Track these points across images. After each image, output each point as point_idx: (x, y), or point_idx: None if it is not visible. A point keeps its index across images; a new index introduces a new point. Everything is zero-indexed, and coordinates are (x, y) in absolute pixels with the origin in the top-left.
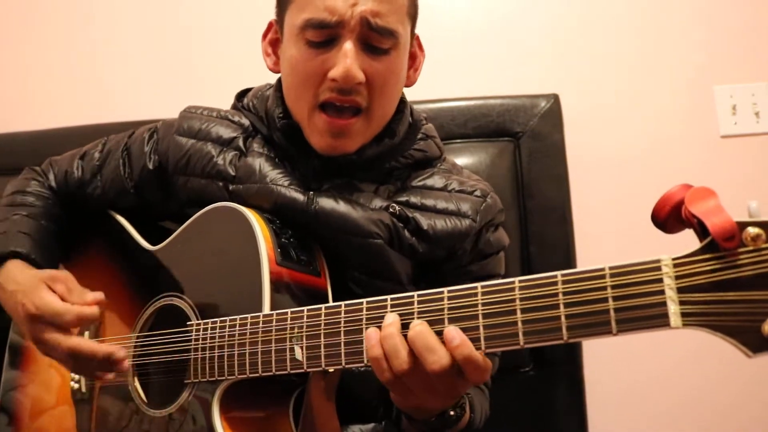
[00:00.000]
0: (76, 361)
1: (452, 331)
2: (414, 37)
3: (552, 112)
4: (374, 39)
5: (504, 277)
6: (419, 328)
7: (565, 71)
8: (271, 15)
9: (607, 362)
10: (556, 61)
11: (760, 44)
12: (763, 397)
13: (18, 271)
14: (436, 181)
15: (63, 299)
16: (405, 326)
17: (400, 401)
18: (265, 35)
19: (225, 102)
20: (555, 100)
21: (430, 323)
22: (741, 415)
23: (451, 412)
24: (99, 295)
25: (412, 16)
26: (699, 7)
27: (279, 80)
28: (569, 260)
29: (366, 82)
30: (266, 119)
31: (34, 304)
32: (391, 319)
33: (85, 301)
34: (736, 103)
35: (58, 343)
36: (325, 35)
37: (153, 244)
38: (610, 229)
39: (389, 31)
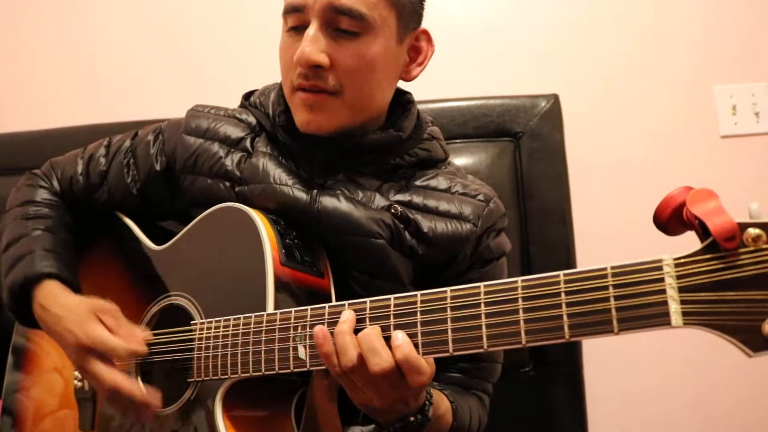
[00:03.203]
0: (114, 396)
1: (397, 334)
2: (418, 31)
3: (552, 112)
4: (341, 22)
5: None
6: (368, 330)
7: (565, 71)
8: (274, 13)
9: (607, 362)
10: (556, 61)
11: (760, 44)
12: (765, 399)
13: (61, 293)
14: (440, 182)
15: (111, 332)
16: (409, 325)
17: (351, 396)
18: None
19: (226, 101)
20: (555, 100)
21: (432, 323)
22: (742, 417)
23: (411, 418)
24: (147, 335)
25: (397, 5)
26: (698, 7)
27: None
28: (569, 260)
29: (332, 66)
30: (271, 116)
31: (87, 335)
32: (346, 317)
33: (135, 336)
34: (736, 103)
35: (102, 376)
36: (298, 20)
37: (158, 244)
38: (610, 229)
39: (356, 14)
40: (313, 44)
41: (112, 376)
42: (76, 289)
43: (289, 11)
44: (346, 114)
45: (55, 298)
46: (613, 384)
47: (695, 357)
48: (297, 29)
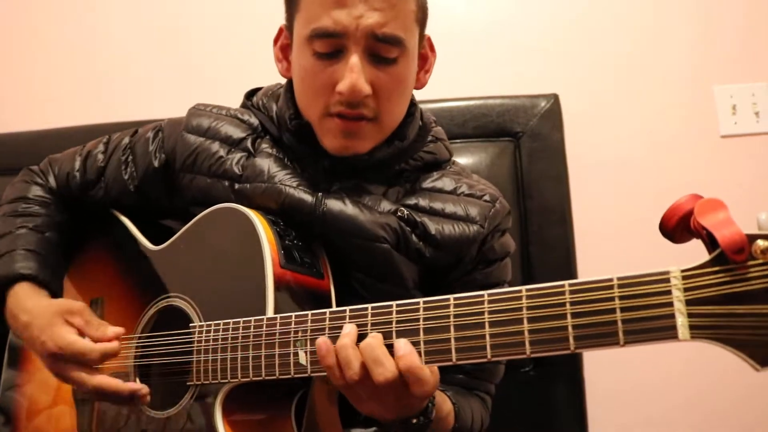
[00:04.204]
0: (101, 395)
1: (400, 342)
2: (424, 39)
3: (552, 112)
4: (381, 49)
5: (510, 283)
6: (369, 340)
7: (565, 71)
8: (273, 13)
9: (607, 362)
10: (556, 61)
11: (760, 44)
12: (764, 398)
13: (28, 298)
14: (446, 183)
15: (81, 333)
16: (412, 332)
17: (356, 404)
18: (276, 41)
19: (226, 101)
20: (555, 100)
21: (435, 331)
22: (741, 416)
23: (414, 420)
24: (119, 330)
25: (421, 21)
26: (698, 6)
27: (290, 81)
28: (569, 260)
29: (373, 93)
30: (276, 120)
31: (55, 343)
32: (348, 330)
33: (106, 335)
34: (736, 103)
35: (83, 381)
36: (331, 46)
37: (156, 243)
38: (609, 229)
39: (396, 40)
40: (360, 75)
41: (92, 380)
42: (55, 290)
43: (322, 36)
44: (379, 137)
45: (23, 303)
46: (613, 383)
47: (695, 356)
48: (329, 56)
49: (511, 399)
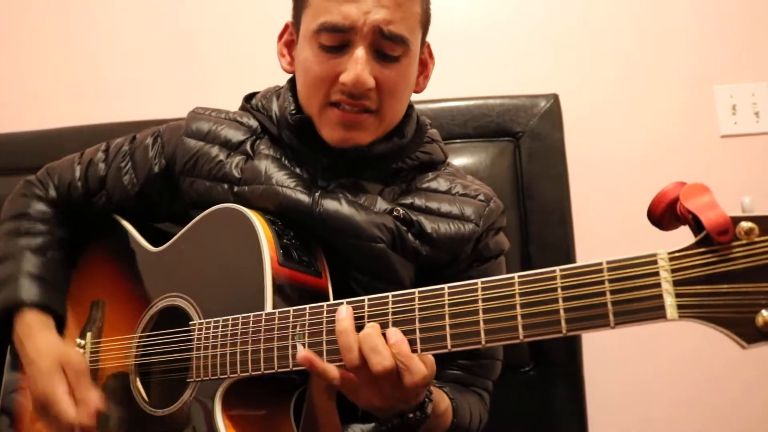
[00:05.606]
0: None
1: (391, 331)
2: (425, 45)
3: (552, 112)
4: (386, 46)
5: None
6: (368, 330)
7: (565, 71)
8: (274, 13)
9: (607, 362)
10: (556, 61)
11: (760, 44)
12: (764, 396)
13: (38, 332)
14: (441, 183)
15: (70, 388)
16: (408, 322)
17: (352, 398)
18: (280, 36)
19: (225, 101)
20: (555, 100)
21: (430, 319)
22: (741, 415)
23: (410, 415)
24: (101, 405)
25: (424, 24)
26: (699, 7)
27: (292, 79)
28: (569, 260)
29: (376, 87)
30: (276, 118)
31: (44, 391)
32: (345, 314)
33: (87, 406)
34: (736, 103)
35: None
36: (338, 40)
37: (156, 245)
38: (610, 229)
39: (401, 39)
40: (365, 67)
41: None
42: (61, 314)
43: (330, 30)
44: (379, 130)
45: (32, 335)
46: (614, 384)
47: (695, 356)
48: (334, 49)
49: (511, 399)
